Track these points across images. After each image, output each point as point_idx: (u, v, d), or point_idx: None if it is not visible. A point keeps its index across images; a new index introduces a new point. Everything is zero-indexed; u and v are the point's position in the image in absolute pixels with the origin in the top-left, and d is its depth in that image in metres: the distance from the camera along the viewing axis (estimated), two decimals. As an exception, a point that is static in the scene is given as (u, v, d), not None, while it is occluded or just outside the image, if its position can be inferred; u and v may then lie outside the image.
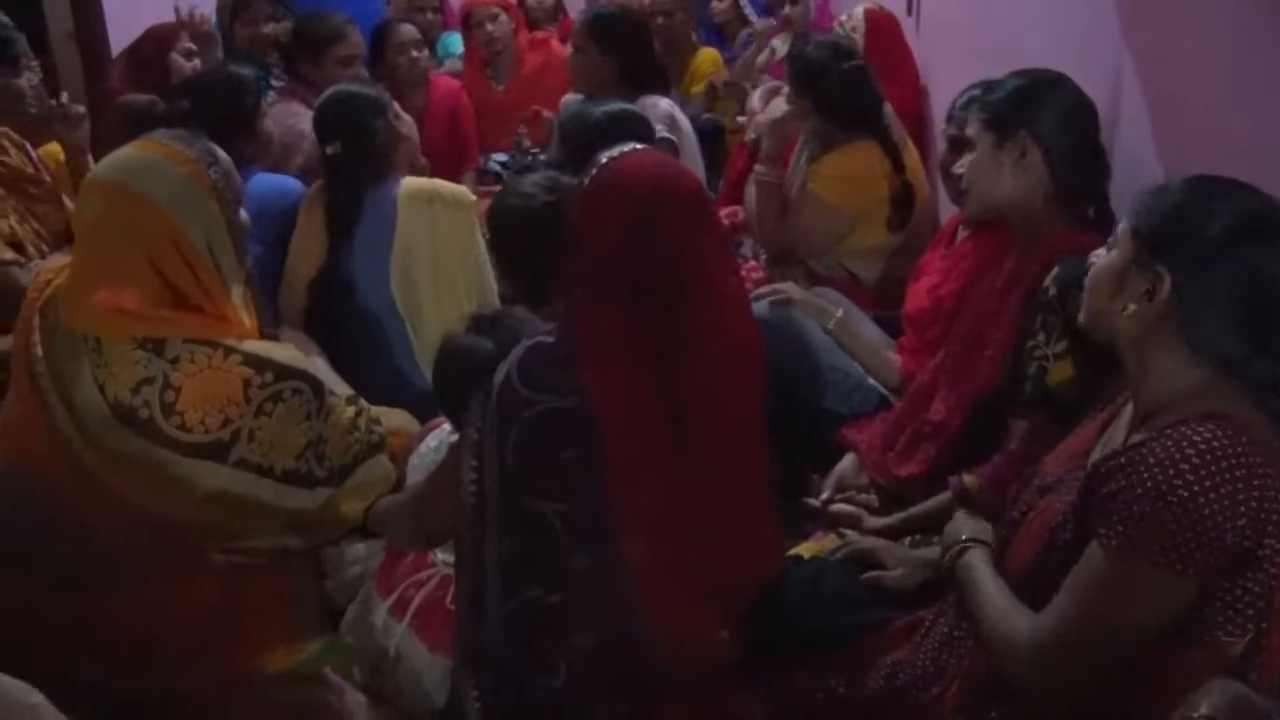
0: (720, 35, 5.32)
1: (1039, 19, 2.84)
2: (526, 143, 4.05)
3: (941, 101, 3.54)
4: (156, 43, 3.59)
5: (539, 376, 1.62)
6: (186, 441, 1.79)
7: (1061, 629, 1.42)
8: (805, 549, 2.05)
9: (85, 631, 1.87)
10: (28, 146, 3.11)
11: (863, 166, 2.90)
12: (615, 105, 2.76)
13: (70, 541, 1.82)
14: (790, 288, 2.60)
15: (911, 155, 3.10)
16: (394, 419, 2.21)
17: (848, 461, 2.30)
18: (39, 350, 1.83)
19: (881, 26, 3.70)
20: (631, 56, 3.37)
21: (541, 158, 4.02)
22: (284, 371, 1.84)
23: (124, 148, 1.84)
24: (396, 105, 2.76)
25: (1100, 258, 1.54)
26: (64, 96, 3.07)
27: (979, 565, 1.63)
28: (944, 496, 1.95)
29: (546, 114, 4.03)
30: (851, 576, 1.90)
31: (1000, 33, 3.17)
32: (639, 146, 1.69)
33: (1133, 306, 1.45)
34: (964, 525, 1.73)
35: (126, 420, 1.78)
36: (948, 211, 2.94)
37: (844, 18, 3.88)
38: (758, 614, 1.77)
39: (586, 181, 1.64)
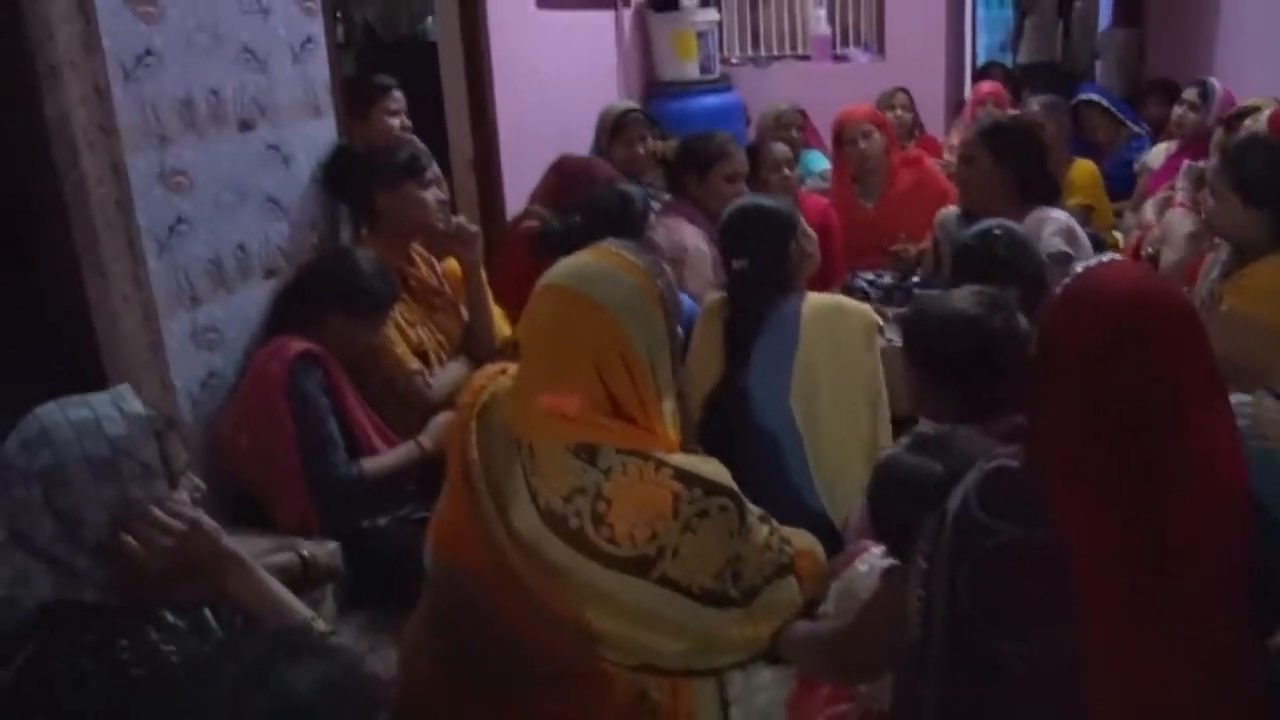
0: (1092, 145, 5.10)
1: None
2: (910, 255, 3.95)
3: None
4: (588, 179, 3.65)
5: (1002, 503, 1.48)
6: (613, 555, 1.75)
7: None
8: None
9: None
10: (434, 260, 3.34)
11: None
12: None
13: (498, 646, 1.82)
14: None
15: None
16: (801, 540, 2.11)
17: None
18: (475, 454, 1.86)
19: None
20: (1026, 168, 3.23)
21: (915, 279, 3.93)
22: (712, 488, 1.79)
23: (577, 254, 1.86)
24: (804, 223, 2.72)
25: None
26: (461, 218, 3.28)
27: None
28: None
29: (909, 248, 3.95)
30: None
31: None
32: (1117, 257, 1.55)
33: None
34: None
35: (556, 528, 1.77)
36: None
37: (1248, 121, 3.57)
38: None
39: (1059, 291, 1.51)
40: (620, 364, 1.77)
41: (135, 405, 1.55)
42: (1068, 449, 1.47)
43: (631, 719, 1.89)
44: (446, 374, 3.11)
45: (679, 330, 1.89)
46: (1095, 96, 5.37)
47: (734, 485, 1.81)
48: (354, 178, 3.16)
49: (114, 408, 1.53)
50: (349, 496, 2.63)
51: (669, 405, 1.84)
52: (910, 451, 1.70)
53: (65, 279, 2.50)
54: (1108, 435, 1.44)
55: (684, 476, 1.77)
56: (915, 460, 1.67)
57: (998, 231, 2.53)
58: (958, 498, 1.52)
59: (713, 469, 1.82)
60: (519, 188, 4.12)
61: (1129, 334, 1.44)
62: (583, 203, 3.12)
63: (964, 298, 2.05)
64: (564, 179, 3.78)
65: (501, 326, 3.39)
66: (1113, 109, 5.21)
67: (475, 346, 3.27)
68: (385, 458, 2.73)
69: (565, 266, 1.84)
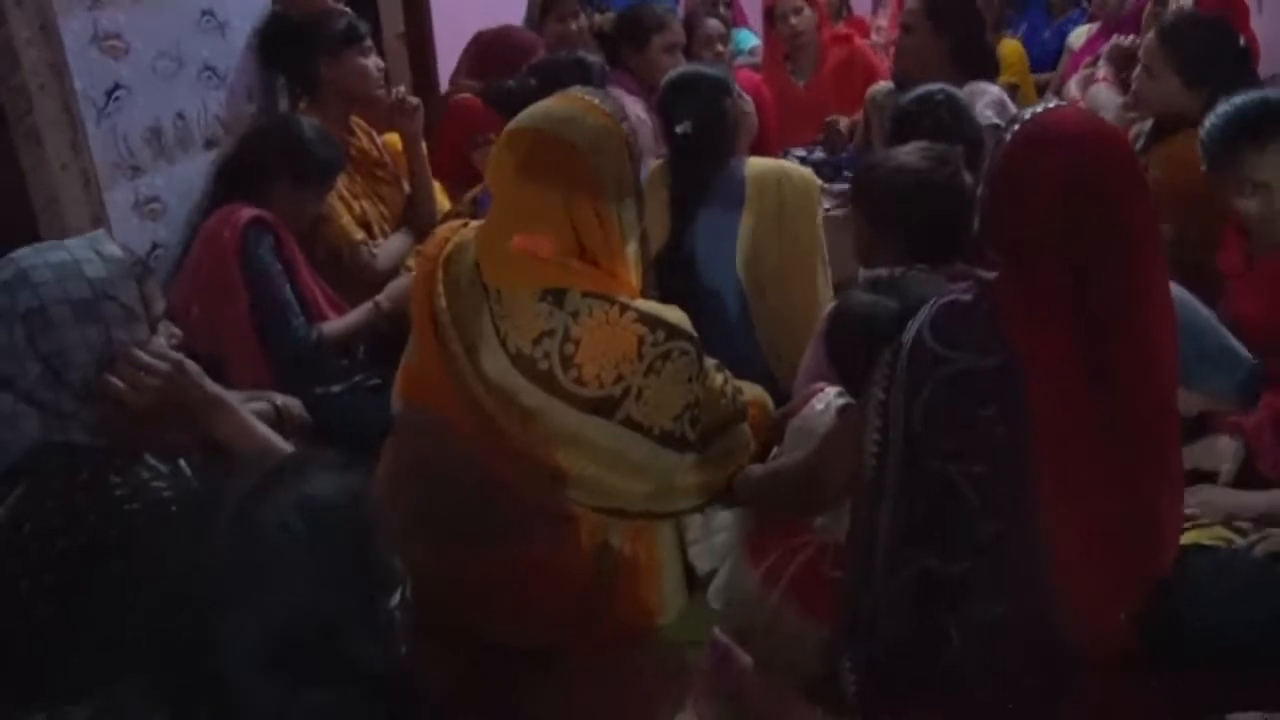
0: (1048, 11, 5.19)
1: None
2: (840, 126, 4.01)
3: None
4: (516, 52, 3.64)
5: (955, 333, 1.58)
6: (581, 395, 1.82)
7: None
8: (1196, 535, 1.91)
9: (473, 581, 1.92)
10: (374, 133, 3.31)
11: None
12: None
13: (470, 488, 1.88)
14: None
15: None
16: (751, 391, 2.20)
17: (1228, 445, 2.13)
18: (443, 303, 1.89)
19: (1217, 8, 3.45)
20: (965, 39, 3.28)
21: (845, 154, 3.99)
22: (673, 331, 1.85)
23: (545, 100, 1.89)
24: (738, 85, 2.76)
25: None
26: (400, 89, 3.24)
27: None
28: None
29: (843, 121, 4.00)
30: (1266, 571, 1.76)
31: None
32: (1062, 103, 1.63)
33: None
34: None
35: (526, 371, 1.82)
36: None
37: (1175, 4, 3.67)
38: (1157, 607, 1.67)
39: (1009, 138, 1.58)
40: (588, 203, 1.81)
41: (112, 248, 1.55)
42: (1024, 282, 1.56)
43: (595, 566, 1.97)
44: (391, 245, 3.12)
45: (641, 176, 1.94)
46: None
47: (693, 331, 1.88)
48: (294, 46, 3.09)
49: (91, 250, 1.53)
50: (309, 360, 2.63)
51: (632, 248, 1.89)
52: (866, 291, 1.78)
53: (-5, 144, 2.44)
54: (1062, 268, 1.53)
55: (647, 319, 1.83)
56: (871, 298, 1.76)
57: (940, 96, 2.60)
58: (912, 330, 1.61)
59: (674, 314, 1.88)
60: (452, 63, 4.07)
61: (1083, 173, 1.53)
62: (540, 68, 3.11)
63: (911, 152, 2.12)
64: (484, 48, 3.78)
65: (441, 201, 3.40)
66: None
67: (417, 219, 3.27)
68: (343, 320, 2.73)
69: (531, 111, 1.87)
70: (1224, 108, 2.27)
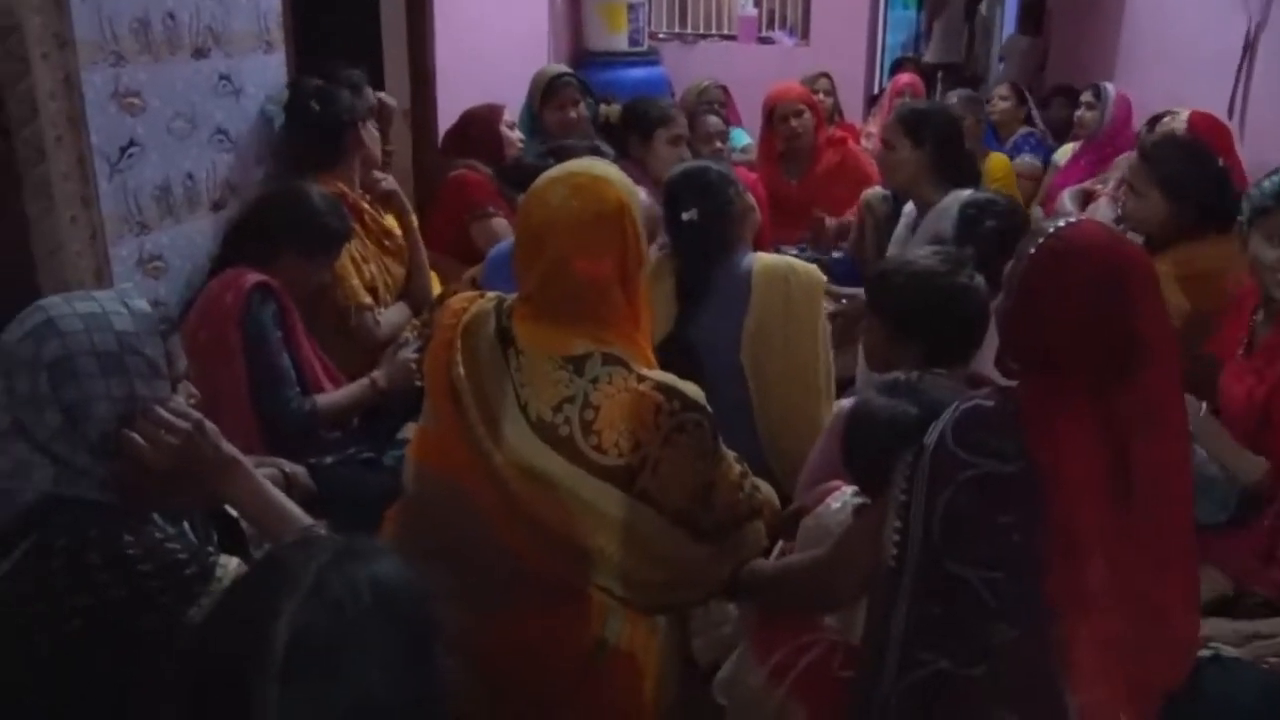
0: (994, 134, 5.33)
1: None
2: (828, 225, 4.11)
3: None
4: (484, 121, 3.87)
5: (977, 439, 1.58)
6: (600, 464, 1.81)
7: None
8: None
9: (471, 644, 1.87)
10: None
11: (1223, 264, 2.77)
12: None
13: (481, 553, 1.85)
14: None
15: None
16: (763, 488, 2.19)
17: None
18: (461, 371, 1.89)
19: (1206, 133, 3.57)
20: (942, 151, 3.35)
21: (836, 255, 4.06)
22: (689, 403, 1.85)
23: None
24: (740, 181, 2.81)
25: None
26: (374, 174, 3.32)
27: None
28: None
29: (830, 220, 4.09)
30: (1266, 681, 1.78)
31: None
32: (1082, 218, 1.67)
33: None
34: None
35: (547, 438, 1.82)
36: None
37: (1166, 119, 3.77)
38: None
39: (1034, 250, 1.61)
40: (631, 225, 1.87)
41: (140, 303, 1.54)
42: (1046, 391, 1.58)
43: (593, 650, 1.93)
44: (392, 314, 3.16)
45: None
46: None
47: (707, 405, 1.88)
48: (329, 113, 3.14)
49: (120, 304, 1.52)
50: (300, 431, 2.61)
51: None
52: (884, 394, 1.79)
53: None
54: (1085, 378, 1.55)
55: (663, 389, 1.84)
56: (890, 402, 1.77)
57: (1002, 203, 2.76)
58: (934, 434, 1.62)
59: (690, 387, 1.89)
60: (452, 143, 4.13)
61: (1108, 286, 1.56)
62: (558, 151, 3.17)
63: (928, 256, 2.16)
64: (455, 127, 3.99)
65: (434, 282, 3.43)
66: (1028, 104, 5.45)
67: (413, 294, 3.30)
68: (339, 395, 2.72)
69: (552, 170, 1.92)
70: None
